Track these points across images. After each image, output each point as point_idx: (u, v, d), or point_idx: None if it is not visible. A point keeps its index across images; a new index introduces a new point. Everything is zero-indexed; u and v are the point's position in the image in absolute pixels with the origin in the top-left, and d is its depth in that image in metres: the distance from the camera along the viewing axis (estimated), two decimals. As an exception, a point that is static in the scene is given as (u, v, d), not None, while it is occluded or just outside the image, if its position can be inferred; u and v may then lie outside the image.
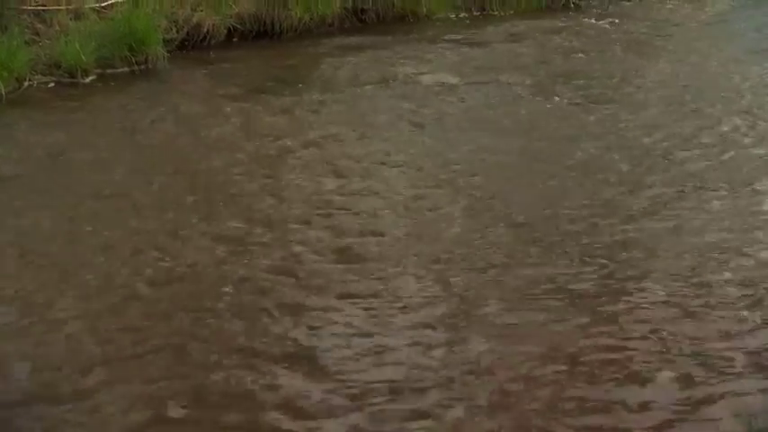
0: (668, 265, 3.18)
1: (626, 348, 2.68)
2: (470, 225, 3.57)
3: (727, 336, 2.74)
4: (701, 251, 3.29)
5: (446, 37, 7.27)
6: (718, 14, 8.20)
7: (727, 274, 3.13)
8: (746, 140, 4.48)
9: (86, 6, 5.98)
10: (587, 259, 3.22)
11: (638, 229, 3.49)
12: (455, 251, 3.34)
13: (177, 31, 6.28)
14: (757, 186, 3.84)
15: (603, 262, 3.21)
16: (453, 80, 5.77)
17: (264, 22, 6.94)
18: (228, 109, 5.13)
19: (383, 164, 4.27)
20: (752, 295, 2.97)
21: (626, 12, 8.51)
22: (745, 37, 7.11)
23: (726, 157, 4.25)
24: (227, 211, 3.70)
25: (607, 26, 7.76)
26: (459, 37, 7.30)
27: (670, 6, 8.72)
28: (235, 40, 6.73)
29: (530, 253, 3.30)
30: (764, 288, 3.00)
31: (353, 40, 7.04)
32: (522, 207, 3.73)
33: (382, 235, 3.46)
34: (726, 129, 4.66)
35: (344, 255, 3.30)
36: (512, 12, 8.49)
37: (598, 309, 2.92)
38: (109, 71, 5.66)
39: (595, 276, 3.11)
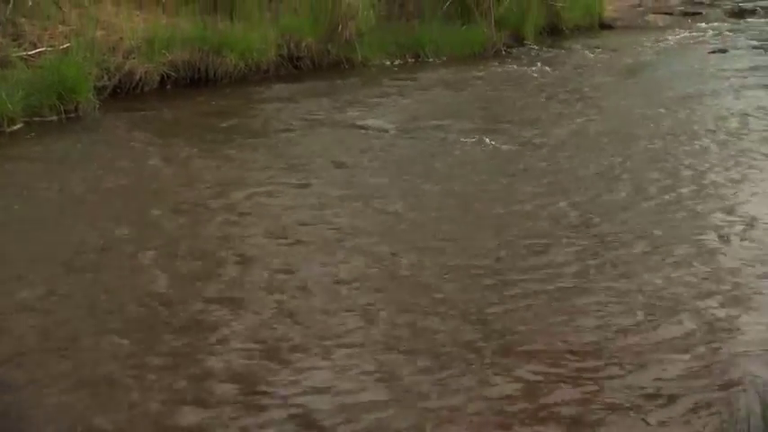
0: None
1: None
2: (403, 265, 3.56)
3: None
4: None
5: (381, 83, 7.37)
6: (642, 62, 8.53)
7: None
8: (664, 183, 4.61)
9: (13, 55, 5.87)
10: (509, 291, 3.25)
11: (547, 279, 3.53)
12: (383, 292, 3.32)
13: (109, 79, 6.20)
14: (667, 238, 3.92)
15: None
16: (388, 125, 5.83)
17: (199, 69, 6.92)
18: (159, 157, 5.06)
19: (320, 209, 4.25)
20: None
21: (555, 59, 8.79)
22: (667, 84, 7.39)
23: (648, 202, 4.36)
24: (155, 266, 3.61)
25: (537, 73, 7.98)
26: (393, 83, 7.42)
27: (597, 54, 9.04)
28: (168, 87, 6.69)
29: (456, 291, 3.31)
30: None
31: (289, 86, 7.08)
32: (455, 247, 3.75)
33: (304, 287, 3.40)
34: (646, 171, 4.80)
35: (280, 304, 3.25)
36: (445, 58, 8.68)
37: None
38: (37, 119, 5.54)
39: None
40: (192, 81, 6.89)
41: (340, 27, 7.79)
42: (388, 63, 8.39)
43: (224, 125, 5.94)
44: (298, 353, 2.87)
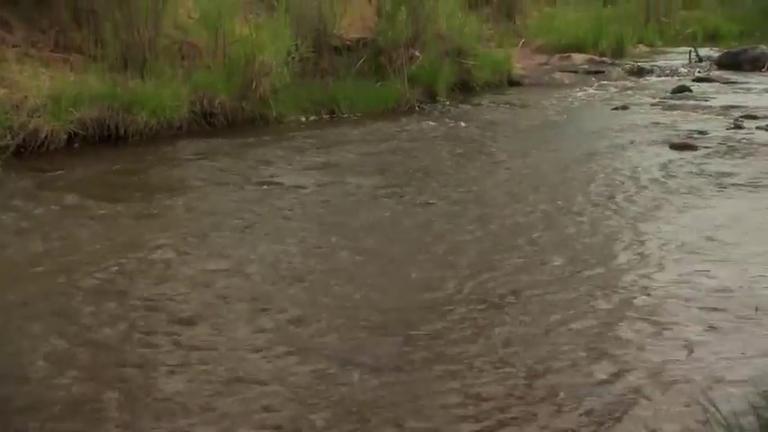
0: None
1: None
2: (308, 329, 3.52)
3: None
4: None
5: (295, 140, 7.38)
6: (550, 118, 8.84)
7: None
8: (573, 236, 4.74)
9: None
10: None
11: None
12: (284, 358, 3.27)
13: (12, 138, 6.01)
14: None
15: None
16: (302, 182, 5.83)
17: (108, 127, 6.79)
18: (63, 218, 4.90)
19: (228, 270, 4.18)
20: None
21: (467, 115, 9.02)
22: (573, 140, 7.66)
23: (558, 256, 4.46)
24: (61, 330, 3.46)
25: (449, 128, 8.17)
26: (308, 139, 7.44)
27: (507, 110, 9.34)
28: (77, 145, 6.53)
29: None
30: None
31: (202, 143, 7.01)
32: (363, 308, 3.73)
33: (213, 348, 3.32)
34: (553, 226, 4.92)
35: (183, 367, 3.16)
36: (360, 114, 8.80)
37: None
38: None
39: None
40: (102, 139, 6.75)
41: (254, 84, 7.81)
42: (303, 119, 8.44)
43: (134, 183, 5.83)
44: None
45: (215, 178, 5.93)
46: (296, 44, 8.28)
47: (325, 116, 8.68)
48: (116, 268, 4.14)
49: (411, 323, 3.55)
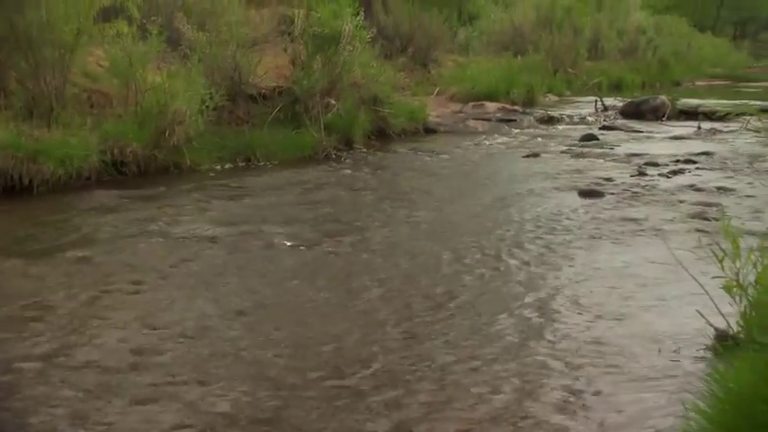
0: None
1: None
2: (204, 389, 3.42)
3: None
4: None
5: (209, 189, 7.29)
6: (464, 166, 9.02)
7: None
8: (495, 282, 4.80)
9: None
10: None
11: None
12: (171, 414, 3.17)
13: None
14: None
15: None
16: (214, 232, 5.73)
17: (12, 177, 6.57)
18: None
19: (134, 325, 4.04)
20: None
21: (383, 162, 9.12)
22: (487, 187, 7.83)
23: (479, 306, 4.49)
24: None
25: (365, 176, 8.23)
26: (222, 189, 7.36)
27: (422, 157, 9.49)
28: (-22, 197, 6.28)
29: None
30: None
31: (113, 193, 6.84)
32: (264, 360, 3.66)
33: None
34: (464, 271, 4.98)
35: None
36: (276, 162, 8.80)
37: None
38: None
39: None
40: (6, 190, 6.51)
41: (167, 132, 7.71)
42: (218, 167, 8.37)
43: (34, 236, 5.60)
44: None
45: (122, 229, 5.76)
46: (210, 93, 8.23)
47: (241, 164, 8.64)
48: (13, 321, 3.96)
49: (306, 382, 3.48)
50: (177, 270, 4.94)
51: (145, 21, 8.09)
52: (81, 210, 6.35)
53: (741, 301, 2.38)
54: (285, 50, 10.22)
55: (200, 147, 8.25)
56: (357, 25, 9.83)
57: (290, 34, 10.26)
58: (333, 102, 9.64)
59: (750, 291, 2.33)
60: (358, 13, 10.03)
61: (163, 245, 5.45)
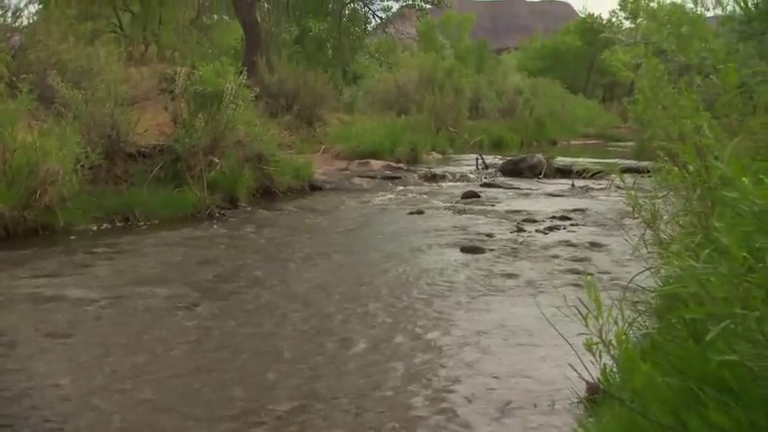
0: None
1: None
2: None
3: None
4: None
5: (83, 250, 7.01)
6: (349, 223, 9.07)
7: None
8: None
9: None
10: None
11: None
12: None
13: None
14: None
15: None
16: (86, 296, 5.47)
17: None
18: None
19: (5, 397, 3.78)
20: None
21: (268, 220, 9.05)
22: (372, 243, 7.89)
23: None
24: None
25: (249, 234, 8.13)
26: (99, 249, 7.09)
27: (308, 215, 9.49)
28: None
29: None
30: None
31: (-24, 257, 6.45)
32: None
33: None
34: (349, 331, 4.96)
35: None
36: (157, 222, 8.57)
37: None
38: None
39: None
40: None
41: (38, 192, 7.37)
42: (94, 228, 8.07)
43: None
44: None
45: (-13, 296, 5.42)
46: (86, 151, 7.97)
47: (119, 224, 8.37)
48: None
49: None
50: (45, 339, 4.66)
51: (14, 78, 7.78)
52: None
53: (601, 358, 2.46)
54: (166, 108, 10.07)
55: (76, 207, 7.94)
56: (240, 84, 9.81)
57: (171, 92, 10.13)
58: (216, 160, 9.53)
59: (611, 347, 2.41)
60: (241, 72, 10.03)
61: (25, 312, 5.14)
